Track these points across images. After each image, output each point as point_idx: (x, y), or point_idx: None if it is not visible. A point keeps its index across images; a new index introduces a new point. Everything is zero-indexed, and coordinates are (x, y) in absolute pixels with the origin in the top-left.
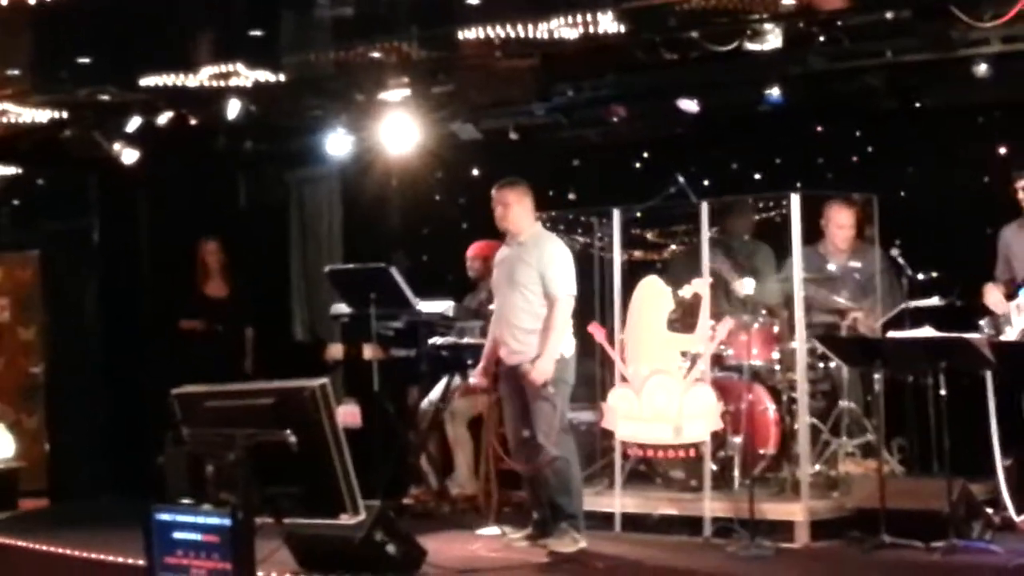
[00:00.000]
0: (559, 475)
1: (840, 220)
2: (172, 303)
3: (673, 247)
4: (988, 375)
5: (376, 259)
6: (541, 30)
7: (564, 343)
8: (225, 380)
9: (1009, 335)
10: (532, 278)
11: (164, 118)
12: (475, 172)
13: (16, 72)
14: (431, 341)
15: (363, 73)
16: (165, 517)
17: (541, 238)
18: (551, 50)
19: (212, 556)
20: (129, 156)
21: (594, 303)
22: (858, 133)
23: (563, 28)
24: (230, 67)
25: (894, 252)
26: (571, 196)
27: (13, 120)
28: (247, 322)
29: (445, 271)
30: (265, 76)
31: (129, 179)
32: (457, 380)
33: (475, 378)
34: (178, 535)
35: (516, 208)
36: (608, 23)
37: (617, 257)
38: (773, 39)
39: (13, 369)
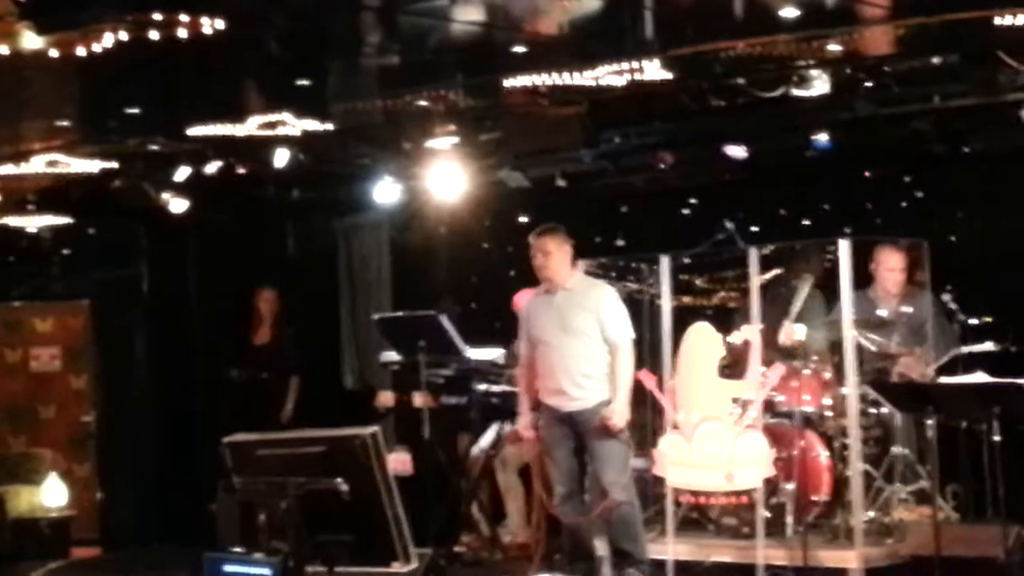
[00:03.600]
0: (625, 521)
1: (891, 264)
2: (221, 351)
3: (723, 293)
4: None
5: (425, 307)
6: (587, 77)
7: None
8: (268, 428)
9: None
10: (591, 323)
11: (213, 167)
12: (523, 219)
13: (66, 123)
14: (481, 388)
15: (410, 121)
16: (216, 563)
17: (593, 284)
18: (598, 97)
19: None
20: (178, 205)
21: (644, 350)
22: (907, 178)
23: (610, 75)
24: (278, 116)
25: (946, 297)
26: (619, 243)
27: (63, 170)
28: (292, 370)
29: (494, 318)
30: (313, 125)
31: (178, 228)
32: (508, 427)
33: (524, 431)
34: (228, 568)
35: (556, 255)
36: (655, 70)
37: (666, 303)
38: (820, 85)
39: (64, 418)
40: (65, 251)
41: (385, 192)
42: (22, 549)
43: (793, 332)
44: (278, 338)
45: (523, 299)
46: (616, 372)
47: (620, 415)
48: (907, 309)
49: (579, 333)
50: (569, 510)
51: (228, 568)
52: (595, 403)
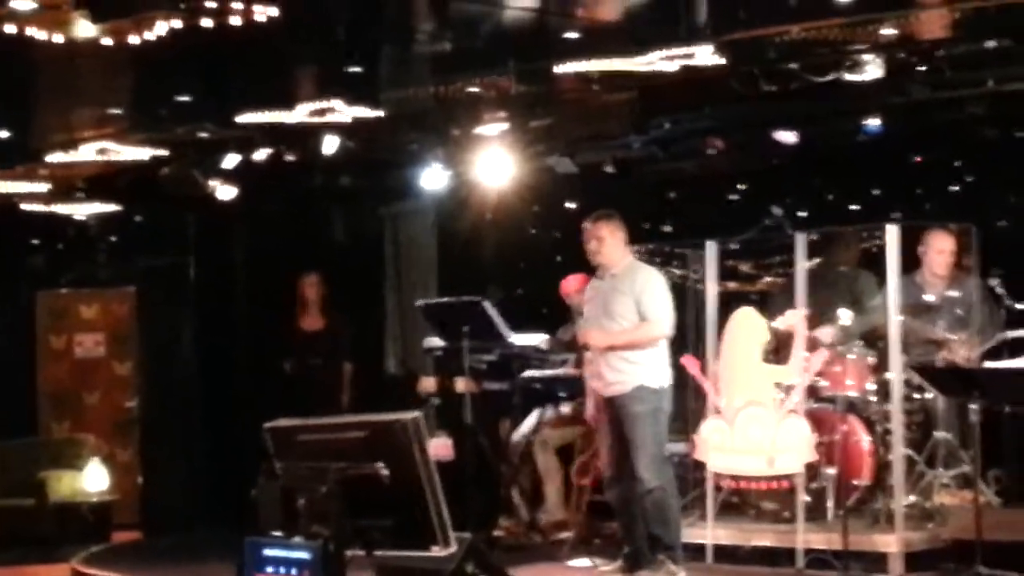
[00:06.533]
0: (657, 506)
1: (940, 246)
2: (267, 338)
3: (768, 279)
4: None
5: (471, 292)
6: (639, 63)
7: (660, 374)
8: (320, 414)
9: None
10: (628, 307)
11: (261, 155)
12: (571, 205)
13: (116, 110)
14: (524, 374)
15: (460, 108)
16: (257, 547)
17: (637, 269)
18: (648, 83)
19: (303, 573)
20: (226, 193)
21: (688, 335)
22: (957, 163)
23: (662, 61)
24: (328, 104)
25: (993, 282)
26: (667, 228)
27: (113, 158)
28: (344, 357)
29: (540, 304)
30: (363, 112)
31: (226, 215)
32: (550, 412)
33: (588, 416)
34: (269, 552)
35: (610, 241)
36: (706, 56)
37: (711, 289)
38: (873, 69)
39: (108, 403)
40: (112, 238)
41: (433, 178)
42: (64, 533)
43: (825, 335)
44: (332, 324)
45: (570, 285)
46: (633, 330)
47: (596, 337)
48: (954, 294)
49: (618, 317)
50: (614, 493)
51: (268, 552)
52: (631, 388)
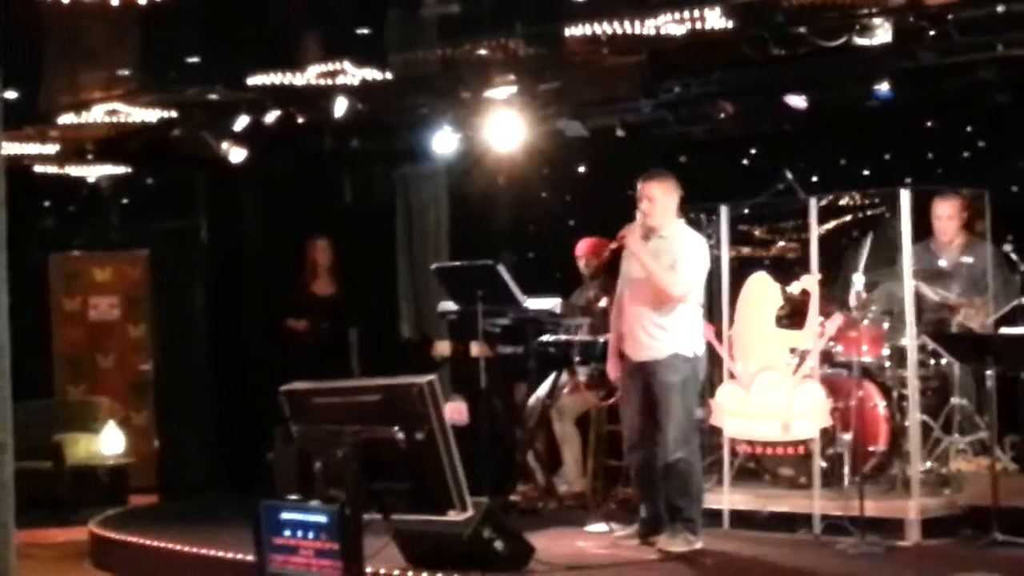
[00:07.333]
0: (681, 477)
1: (939, 212)
2: (279, 300)
3: (781, 243)
4: None
5: (483, 256)
6: (648, 26)
7: (694, 341)
8: (330, 378)
9: None
10: None
11: (271, 117)
12: (581, 169)
13: (126, 72)
14: (538, 338)
15: (469, 71)
16: (274, 511)
17: (681, 234)
18: (658, 46)
19: (320, 536)
20: (237, 155)
21: (702, 300)
22: (969, 128)
23: (670, 24)
24: (337, 65)
25: (1007, 248)
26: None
27: (123, 120)
28: (353, 322)
29: (552, 268)
30: (372, 74)
31: (237, 178)
32: (564, 377)
33: (610, 373)
34: (286, 516)
35: (660, 202)
36: (715, 19)
37: (725, 254)
38: (882, 34)
39: (123, 366)
40: (124, 201)
41: (443, 142)
42: (80, 496)
43: (861, 293)
44: (344, 289)
45: (584, 248)
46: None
47: (637, 240)
48: (967, 259)
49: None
50: (636, 458)
51: (285, 516)
52: (665, 355)
